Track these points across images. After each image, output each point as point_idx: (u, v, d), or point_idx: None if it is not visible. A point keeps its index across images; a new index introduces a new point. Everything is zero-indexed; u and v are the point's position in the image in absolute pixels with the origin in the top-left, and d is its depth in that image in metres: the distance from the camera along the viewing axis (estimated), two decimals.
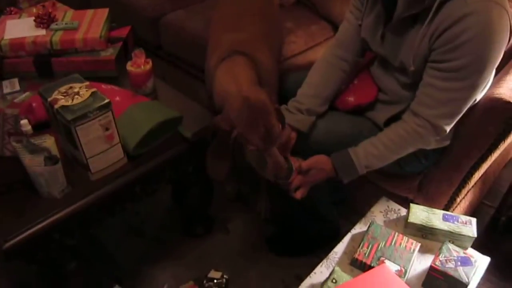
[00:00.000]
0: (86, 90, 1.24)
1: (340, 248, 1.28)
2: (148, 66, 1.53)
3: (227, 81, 1.29)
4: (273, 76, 1.49)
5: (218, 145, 1.24)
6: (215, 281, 1.62)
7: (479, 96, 1.31)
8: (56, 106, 1.20)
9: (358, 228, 1.34)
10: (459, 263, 1.14)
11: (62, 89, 1.25)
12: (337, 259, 1.25)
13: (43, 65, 1.67)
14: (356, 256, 1.20)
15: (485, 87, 1.28)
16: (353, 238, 1.31)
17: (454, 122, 1.26)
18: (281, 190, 1.36)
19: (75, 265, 1.40)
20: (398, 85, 1.35)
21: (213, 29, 1.69)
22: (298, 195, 1.34)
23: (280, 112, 1.27)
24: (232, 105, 1.21)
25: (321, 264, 1.24)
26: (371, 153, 1.29)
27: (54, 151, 1.20)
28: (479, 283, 1.20)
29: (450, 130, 1.37)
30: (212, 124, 1.25)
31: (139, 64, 1.52)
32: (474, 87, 1.18)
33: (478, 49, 1.11)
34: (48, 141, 1.19)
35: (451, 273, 1.11)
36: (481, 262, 1.23)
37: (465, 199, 1.59)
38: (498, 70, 1.46)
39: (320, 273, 1.22)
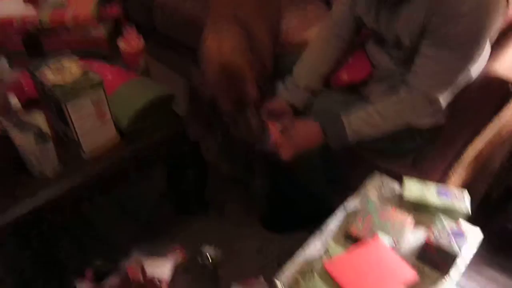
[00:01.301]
0: (77, 67, 1.23)
1: (333, 222, 1.29)
2: (140, 44, 1.51)
3: (211, 46, 1.32)
4: (267, 48, 1.49)
5: (196, 107, 1.37)
6: (209, 257, 1.63)
7: (474, 72, 1.30)
8: (46, 83, 1.19)
9: (352, 203, 1.34)
10: (452, 236, 1.14)
11: (52, 66, 1.23)
12: (331, 233, 1.26)
13: (33, 44, 1.65)
14: (349, 229, 1.20)
15: (479, 62, 1.28)
16: (346, 212, 1.31)
17: (450, 95, 1.25)
18: (275, 167, 1.36)
19: (68, 247, 1.40)
20: (391, 61, 1.34)
21: (212, 5, 1.68)
22: (284, 155, 1.32)
23: (260, 84, 1.33)
24: (209, 68, 1.28)
25: (315, 237, 1.25)
26: (362, 119, 1.29)
27: (45, 128, 1.19)
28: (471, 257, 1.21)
29: (445, 107, 1.38)
30: (192, 86, 1.33)
31: (131, 42, 1.50)
32: (469, 57, 1.18)
33: (474, 19, 1.11)
34: (39, 118, 1.18)
35: (444, 246, 1.12)
36: (474, 235, 1.24)
37: (458, 176, 1.60)
38: (493, 48, 1.46)
39: (314, 246, 1.22)
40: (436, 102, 1.24)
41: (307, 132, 1.32)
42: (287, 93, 1.40)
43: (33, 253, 1.39)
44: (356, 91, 1.45)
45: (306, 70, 1.43)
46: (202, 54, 1.37)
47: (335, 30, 1.45)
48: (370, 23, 1.35)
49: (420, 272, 1.15)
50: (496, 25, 1.16)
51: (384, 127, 1.30)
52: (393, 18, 1.26)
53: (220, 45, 1.30)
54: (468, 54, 1.17)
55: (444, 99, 1.25)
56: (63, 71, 1.21)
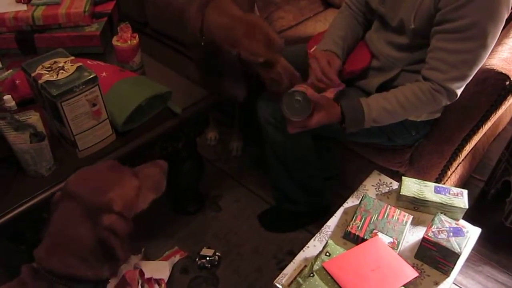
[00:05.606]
0: (71, 65, 1.20)
1: (333, 222, 1.28)
2: (135, 40, 1.49)
3: (217, 16, 1.36)
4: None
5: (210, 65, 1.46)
6: (208, 258, 1.62)
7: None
8: (40, 82, 1.16)
9: (351, 202, 1.34)
10: (451, 233, 1.14)
11: (46, 64, 1.21)
12: (330, 232, 1.25)
13: (26, 42, 1.63)
14: (349, 229, 1.20)
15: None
16: (345, 211, 1.31)
17: (465, 85, 1.25)
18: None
19: None
20: (393, 48, 1.34)
21: None
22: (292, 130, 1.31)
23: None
24: (230, 30, 1.30)
25: (314, 238, 1.24)
26: (382, 107, 1.27)
27: (40, 127, 1.17)
28: (469, 254, 1.21)
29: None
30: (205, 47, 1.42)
31: (126, 38, 1.48)
32: (485, 46, 1.16)
33: (485, 5, 1.10)
34: (33, 117, 1.15)
35: (444, 243, 1.12)
36: (473, 232, 1.24)
37: (455, 172, 1.60)
38: None
39: (314, 246, 1.22)
40: (453, 93, 1.23)
41: (327, 111, 1.28)
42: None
43: (28, 252, 1.37)
44: (352, 85, 1.44)
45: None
46: (209, 29, 1.40)
47: (353, 7, 1.49)
48: (375, 4, 1.35)
49: (419, 270, 1.15)
50: (508, 10, 1.14)
51: (402, 114, 1.29)
52: (399, 0, 1.26)
53: (225, 11, 1.36)
54: (484, 42, 1.15)
55: (460, 90, 1.24)
56: (57, 69, 1.19)
